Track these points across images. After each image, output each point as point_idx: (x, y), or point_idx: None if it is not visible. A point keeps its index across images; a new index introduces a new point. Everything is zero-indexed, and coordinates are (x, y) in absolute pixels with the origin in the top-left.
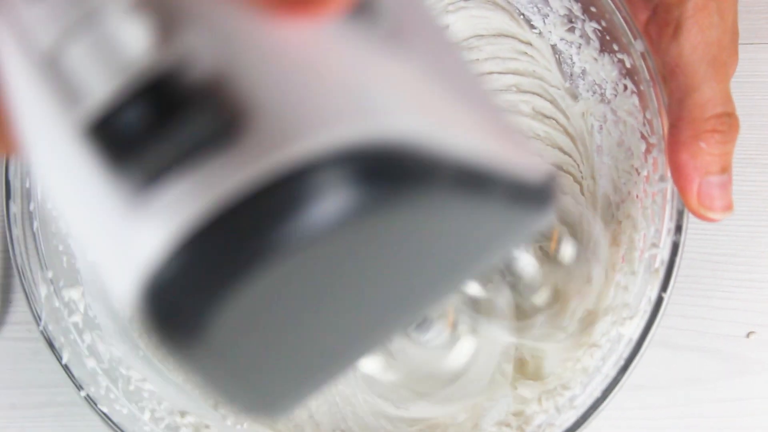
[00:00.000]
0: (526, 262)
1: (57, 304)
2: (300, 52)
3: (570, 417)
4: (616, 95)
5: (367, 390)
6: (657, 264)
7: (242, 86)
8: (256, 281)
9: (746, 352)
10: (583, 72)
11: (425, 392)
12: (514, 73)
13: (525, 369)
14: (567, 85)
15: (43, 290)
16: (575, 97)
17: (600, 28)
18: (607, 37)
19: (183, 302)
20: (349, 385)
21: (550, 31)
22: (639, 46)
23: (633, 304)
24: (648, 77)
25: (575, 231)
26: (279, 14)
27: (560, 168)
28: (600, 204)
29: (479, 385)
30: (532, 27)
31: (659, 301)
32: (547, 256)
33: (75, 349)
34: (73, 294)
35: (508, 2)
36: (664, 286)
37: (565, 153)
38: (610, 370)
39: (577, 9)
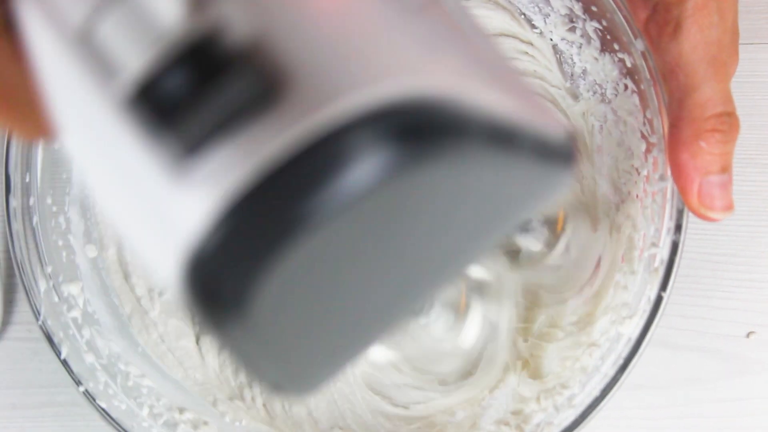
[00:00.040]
0: (533, 242)
1: (56, 299)
2: (333, 14)
3: (569, 416)
4: (616, 95)
5: (366, 388)
6: (656, 263)
7: (279, 49)
8: (301, 247)
9: (746, 352)
10: (584, 72)
11: (435, 374)
12: None
13: (525, 368)
14: (568, 85)
15: (42, 285)
16: (576, 97)
17: (601, 27)
18: (608, 37)
19: (229, 273)
20: (347, 383)
21: (551, 31)
22: (639, 45)
23: (632, 303)
24: (648, 76)
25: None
26: None
27: None
28: (600, 204)
29: (492, 367)
30: (533, 27)
31: (658, 300)
32: (554, 234)
33: (74, 344)
34: (72, 289)
35: (509, 2)
36: (664, 286)
37: None
38: (609, 370)
39: (578, 8)
